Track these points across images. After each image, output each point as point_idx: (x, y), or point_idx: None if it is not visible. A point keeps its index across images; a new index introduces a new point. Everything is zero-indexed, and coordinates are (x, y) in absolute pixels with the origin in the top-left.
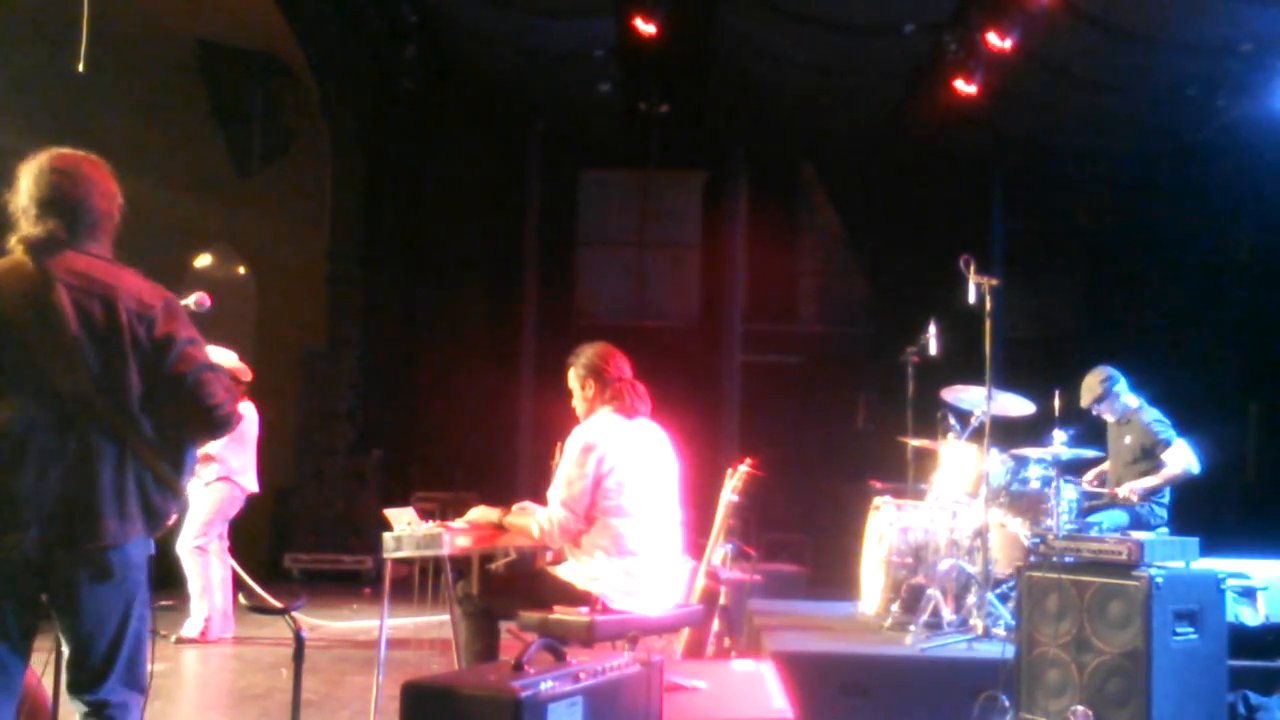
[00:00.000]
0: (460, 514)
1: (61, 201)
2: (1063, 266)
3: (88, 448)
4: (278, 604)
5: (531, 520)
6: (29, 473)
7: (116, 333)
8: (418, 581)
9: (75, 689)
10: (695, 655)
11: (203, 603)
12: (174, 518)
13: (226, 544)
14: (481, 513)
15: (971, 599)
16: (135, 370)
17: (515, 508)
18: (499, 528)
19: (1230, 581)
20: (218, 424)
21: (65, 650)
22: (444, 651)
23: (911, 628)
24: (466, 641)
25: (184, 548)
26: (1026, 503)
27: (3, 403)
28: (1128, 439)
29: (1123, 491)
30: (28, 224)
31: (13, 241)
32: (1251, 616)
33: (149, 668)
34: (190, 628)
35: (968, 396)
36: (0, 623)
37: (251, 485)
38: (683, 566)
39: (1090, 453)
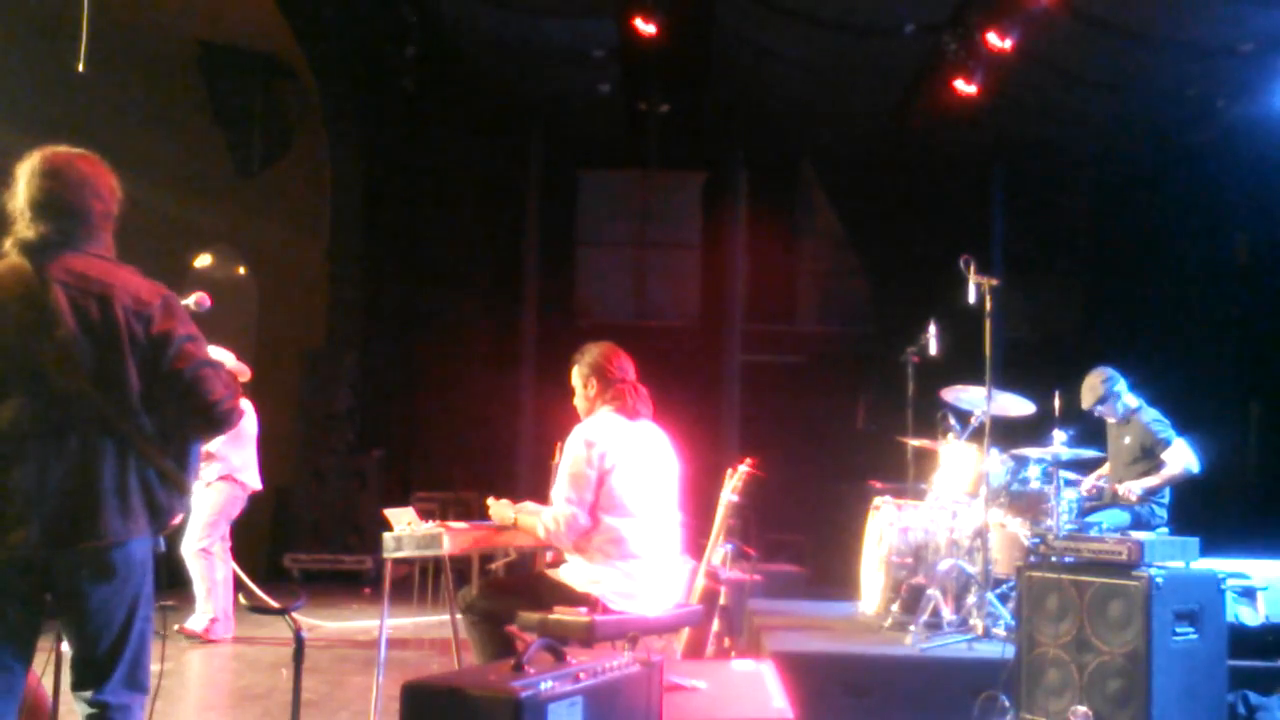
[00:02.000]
0: (460, 514)
1: (55, 204)
2: (1063, 266)
3: (88, 446)
4: (277, 604)
5: (538, 520)
6: (29, 472)
7: (113, 331)
8: (418, 581)
9: (78, 688)
10: (695, 655)
11: (208, 604)
12: (180, 515)
13: (229, 544)
14: (501, 507)
15: (971, 599)
16: (133, 368)
17: (514, 507)
18: (513, 526)
19: (1230, 581)
20: (218, 420)
21: (68, 649)
22: (444, 651)
23: (911, 628)
24: (480, 647)
25: (188, 549)
26: (1026, 503)
27: (2, 404)
28: (1127, 439)
29: (1122, 490)
30: (23, 226)
31: (8, 245)
32: (1251, 616)
33: (155, 668)
34: (195, 622)
35: (968, 396)
36: (3, 623)
37: (254, 483)
38: (683, 567)
39: (1090, 452)
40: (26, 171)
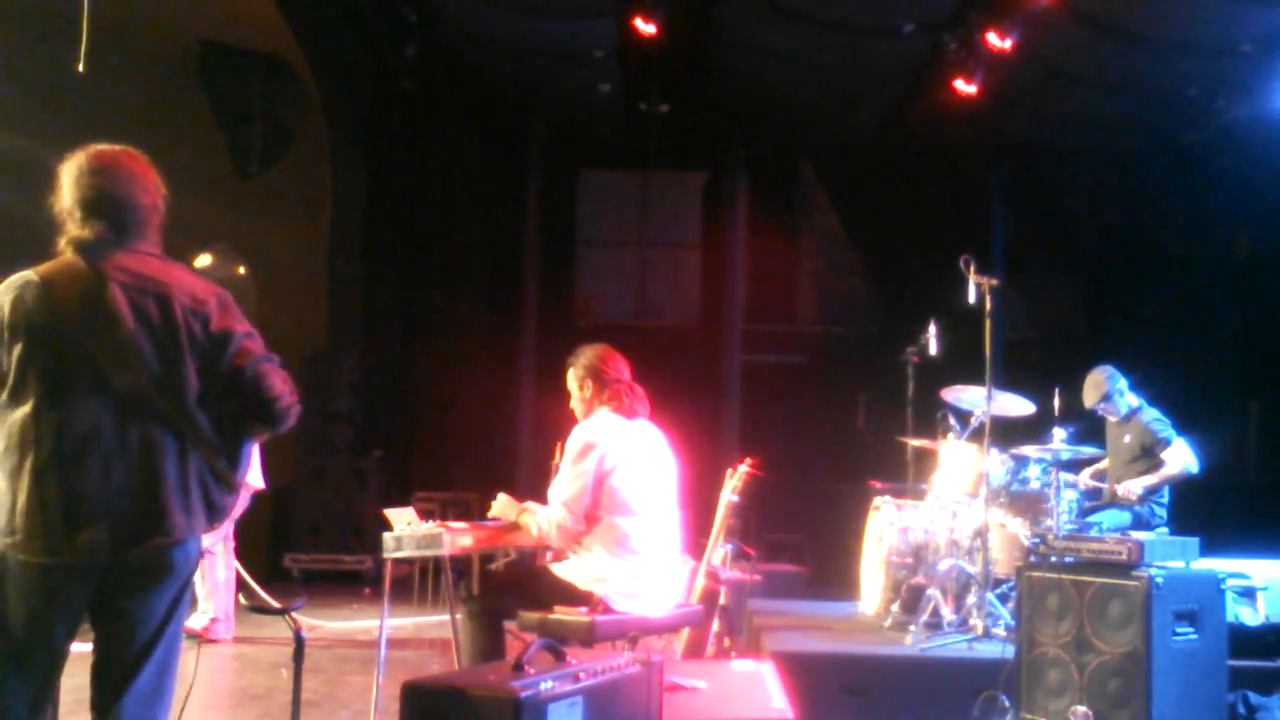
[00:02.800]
0: (460, 514)
1: (106, 202)
2: (1063, 266)
3: (149, 443)
4: (278, 604)
5: (533, 520)
6: (93, 471)
7: (173, 329)
8: (418, 581)
9: (100, 693)
10: (695, 655)
11: (209, 603)
12: (233, 513)
13: (233, 544)
14: (505, 504)
15: (971, 599)
16: (192, 367)
17: (517, 506)
18: (514, 524)
19: (1230, 581)
20: (278, 416)
21: (77, 648)
22: (444, 651)
23: (911, 628)
24: (470, 641)
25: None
26: (1026, 503)
27: (64, 403)
28: (1128, 438)
29: (1122, 490)
30: (75, 226)
31: (62, 244)
32: (1251, 616)
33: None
34: (195, 621)
35: (968, 396)
36: (51, 626)
37: (257, 482)
38: (683, 566)
39: (1090, 451)
40: (74, 170)
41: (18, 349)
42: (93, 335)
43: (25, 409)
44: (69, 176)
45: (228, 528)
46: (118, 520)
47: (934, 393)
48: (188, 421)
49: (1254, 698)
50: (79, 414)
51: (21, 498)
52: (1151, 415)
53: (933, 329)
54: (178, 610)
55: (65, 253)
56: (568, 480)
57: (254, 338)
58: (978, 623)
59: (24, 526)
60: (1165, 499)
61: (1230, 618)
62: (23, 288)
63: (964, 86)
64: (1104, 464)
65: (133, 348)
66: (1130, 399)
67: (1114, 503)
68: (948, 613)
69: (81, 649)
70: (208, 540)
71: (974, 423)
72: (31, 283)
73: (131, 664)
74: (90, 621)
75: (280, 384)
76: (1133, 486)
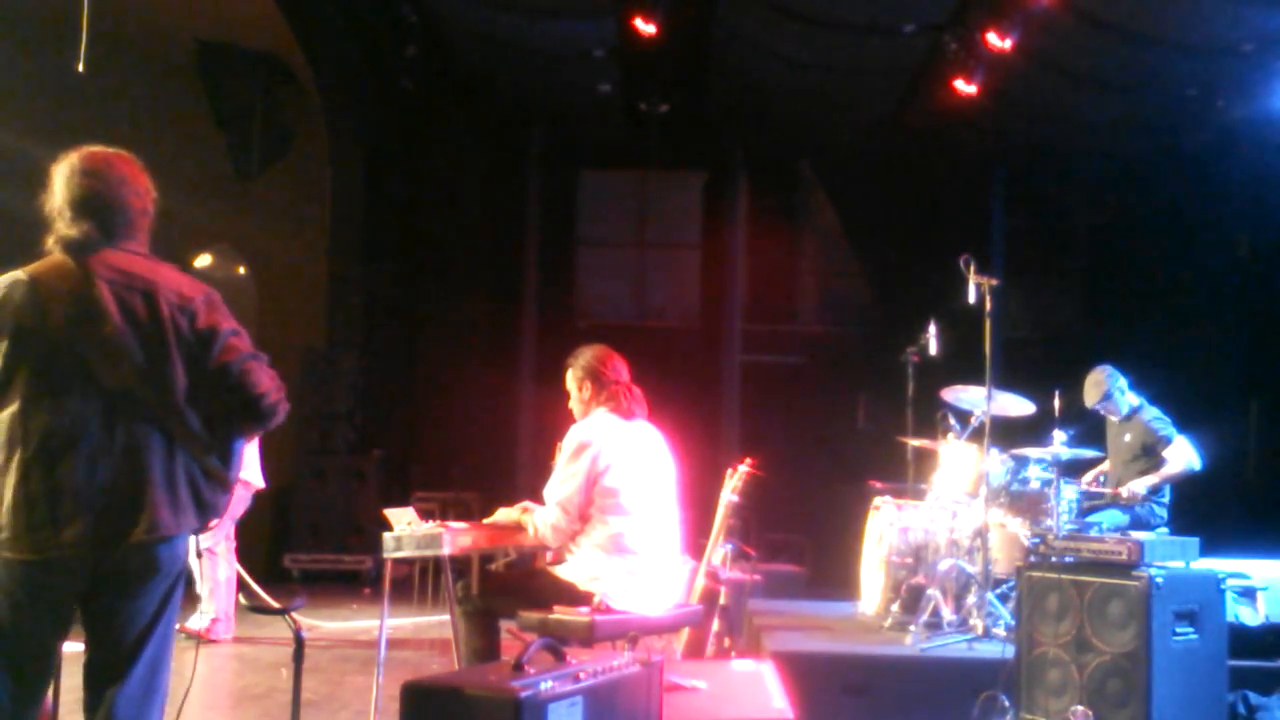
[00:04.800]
0: (460, 514)
1: (95, 202)
2: (1063, 266)
3: (136, 441)
4: (278, 604)
5: (530, 519)
6: (79, 468)
7: (159, 327)
8: (418, 581)
9: (93, 689)
10: (695, 655)
11: (210, 604)
12: (224, 512)
13: (234, 544)
14: (505, 512)
15: (971, 599)
16: (179, 364)
17: (518, 507)
18: (518, 525)
19: (1230, 581)
20: (265, 414)
21: (70, 647)
22: (444, 651)
23: (911, 628)
24: (466, 640)
25: (191, 550)
26: (1026, 503)
27: (51, 400)
28: (1128, 437)
29: (1126, 492)
30: (64, 225)
31: (50, 243)
32: (1251, 616)
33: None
34: (196, 621)
35: (968, 396)
36: (38, 624)
37: (257, 481)
38: (683, 566)
39: (1090, 452)
40: (65, 170)
41: (5, 347)
42: (80, 332)
43: (13, 408)
44: (61, 176)
45: (229, 527)
46: (102, 516)
47: (934, 393)
48: (176, 418)
49: (1254, 698)
50: (66, 411)
51: (8, 495)
52: (1152, 414)
53: (933, 329)
54: (168, 609)
55: (54, 252)
56: (562, 480)
57: (241, 335)
58: (978, 623)
59: (10, 524)
60: (1166, 498)
61: (1230, 618)
62: (10, 287)
63: (964, 86)
64: (1104, 467)
65: (120, 344)
66: (1130, 398)
67: (1114, 503)
68: (948, 613)
69: (76, 648)
70: (208, 540)
71: (974, 423)
72: (20, 282)
73: (122, 663)
74: (81, 622)
75: (267, 381)
76: (1136, 487)
